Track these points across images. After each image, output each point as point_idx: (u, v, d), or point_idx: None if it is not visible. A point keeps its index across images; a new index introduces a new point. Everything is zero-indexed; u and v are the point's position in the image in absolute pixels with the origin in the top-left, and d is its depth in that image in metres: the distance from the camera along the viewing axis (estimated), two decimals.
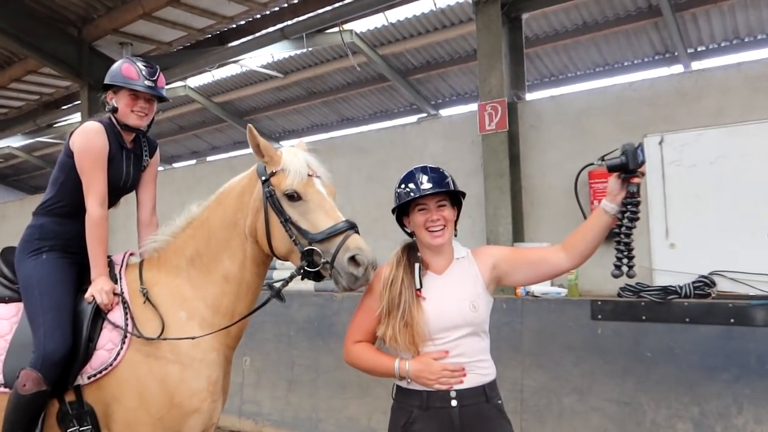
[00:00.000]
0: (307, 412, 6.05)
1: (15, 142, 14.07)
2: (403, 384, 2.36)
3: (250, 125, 2.62)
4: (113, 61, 9.59)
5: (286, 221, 2.50)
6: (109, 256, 2.91)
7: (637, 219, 2.18)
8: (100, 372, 2.59)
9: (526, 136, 5.84)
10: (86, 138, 2.78)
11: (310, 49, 11.12)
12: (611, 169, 2.15)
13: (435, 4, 9.98)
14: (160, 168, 8.41)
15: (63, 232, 2.86)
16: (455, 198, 2.44)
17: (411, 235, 2.46)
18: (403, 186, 2.39)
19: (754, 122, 4.81)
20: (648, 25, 9.35)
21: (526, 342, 5.02)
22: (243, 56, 9.05)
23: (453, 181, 2.39)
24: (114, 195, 2.97)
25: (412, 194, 2.33)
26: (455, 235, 2.41)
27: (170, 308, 2.69)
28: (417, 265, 2.36)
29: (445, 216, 2.34)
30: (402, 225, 2.50)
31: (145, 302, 2.69)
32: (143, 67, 2.89)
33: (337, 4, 7.68)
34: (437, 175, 2.37)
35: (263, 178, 2.59)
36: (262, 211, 2.58)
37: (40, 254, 2.80)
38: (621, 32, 9.58)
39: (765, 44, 8.78)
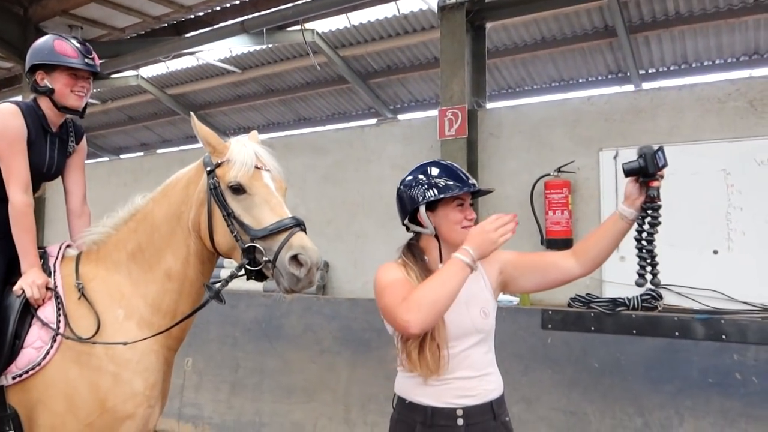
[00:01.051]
0: (250, 416, 5.88)
1: None
2: (407, 398, 2.20)
3: (192, 113, 2.52)
4: None
5: (229, 215, 2.37)
6: (43, 248, 2.71)
7: (659, 224, 2.13)
8: (26, 372, 2.40)
9: (485, 144, 5.86)
10: (0, 121, 2.58)
11: (269, 45, 10.96)
12: (628, 173, 2.10)
13: (398, 10, 9.98)
14: (106, 158, 8.04)
15: None
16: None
17: (417, 232, 2.27)
18: (439, 177, 2.20)
19: (705, 142, 4.96)
20: (603, 45, 9.61)
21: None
22: (200, 48, 8.80)
23: None
24: (36, 181, 2.77)
25: (463, 187, 2.16)
26: None
27: (107, 306, 2.51)
28: (441, 267, 2.19)
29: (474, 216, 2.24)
30: (412, 220, 2.25)
31: (80, 298, 2.50)
32: (79, 45, 2.71)
33: (299, 1, 7.56)
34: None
35: (208, 169, 2.46)
36: (205, 204, 2.45)
37: None
38: (577, 50, 9.80)
39: (711, 70, 9.16)
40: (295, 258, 2.22)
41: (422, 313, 1.94)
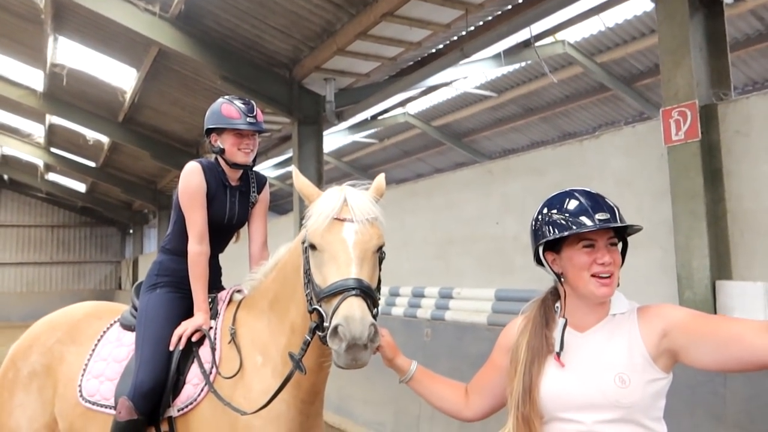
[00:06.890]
0: None
1: (268, 172, 16.14)
2: None
3: (294, 166, 2.44)
4: (319, 97, 10.20)
5: (305, 272, 2.25)
6: (215, 293, 2.95)
7: None
8: (187, 406, 2.63)
9: (730, 145, 4.56)
10: (183, 179, 2.89)
11: (521, 64, 10.64)
12: None
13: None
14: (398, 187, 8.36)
15: (178, 270, 2.95)
16: (620, 238, 1.83)
17: (559, 277, 1.85)
18: (559, 211, 1.81)
19: None
20: None
21: (731, 411, 3.89)
22: (427, 80, 9.00)
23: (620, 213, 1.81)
24: (219, 231, 3.00)
25: (585, 225, 1.73)
26: (617, 285, 1.79)
27: (250, 351, 2.62)
28: (562, 321, 1.81)
29: (616, 259, 1.76)
30: (540, 261, 1.90)
31: (230, 342, 2.66)
32: (242, 106, 2.92)
33: (515, 22, 7.10)
34: (607, 204, 1.78)
35: (303, 221, 2.36)
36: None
37: (155, 289, 2.95)
38: None
39: None
40: (335, 329, 1.96)
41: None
